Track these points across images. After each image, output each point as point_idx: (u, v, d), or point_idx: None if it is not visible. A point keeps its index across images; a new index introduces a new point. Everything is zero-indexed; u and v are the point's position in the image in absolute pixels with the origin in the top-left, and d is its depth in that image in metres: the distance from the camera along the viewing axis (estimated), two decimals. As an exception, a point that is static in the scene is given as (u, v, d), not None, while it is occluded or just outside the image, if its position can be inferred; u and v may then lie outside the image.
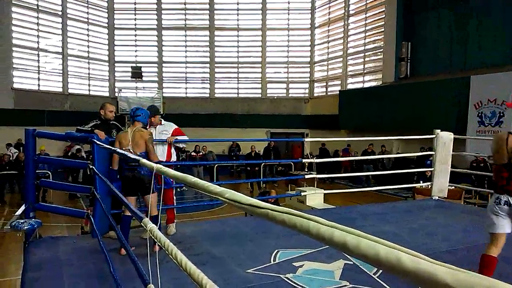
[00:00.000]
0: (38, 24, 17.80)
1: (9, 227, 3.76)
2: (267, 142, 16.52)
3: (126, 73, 20.61)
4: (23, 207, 4.11)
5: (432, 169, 6.33)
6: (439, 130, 6.16)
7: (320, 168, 13.64)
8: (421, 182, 8.85)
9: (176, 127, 4.77)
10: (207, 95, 21.41)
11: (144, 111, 4.13)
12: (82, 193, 4.65)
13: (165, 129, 4.67)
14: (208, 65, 21.35)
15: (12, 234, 4.79)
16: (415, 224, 4.99)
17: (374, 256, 0.49)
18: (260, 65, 21.32)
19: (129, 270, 2.92)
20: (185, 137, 4.74)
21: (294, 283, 3.10)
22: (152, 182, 3.56)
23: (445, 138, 6.13)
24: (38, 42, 17.89)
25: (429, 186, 6.67)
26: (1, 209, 10.44)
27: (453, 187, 7.23)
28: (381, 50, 17.10)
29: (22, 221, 3.83)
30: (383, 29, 16.94)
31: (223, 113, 20.24)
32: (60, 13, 18.50)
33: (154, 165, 1.55)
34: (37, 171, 4.40)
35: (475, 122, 12.23)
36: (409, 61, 15.69)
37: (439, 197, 6.33)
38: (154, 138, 4.51)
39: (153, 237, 1.51)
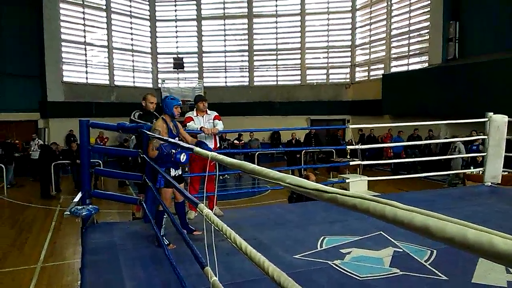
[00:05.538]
0: (84, 19, 18.53)
1: (68, 213, 4.00)
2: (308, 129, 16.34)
3: (168, 64, 21.08)
4: (79, 194, 4.35)
5: (485, 154, 6.04)
6: (492, 113, 5.84)
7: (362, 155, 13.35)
8: (472, 168, 8.46)
9: (216, 113, 4.95)
10: (246, 83, 21.49)
11: (164, 101, 3.86)
12: (135, 180, 4.85)
13: (210, 118, 4.82)
14: (247, 53, 21.37)
15: (68, 220, 5.09)
16: (467, 211, 4.79)
17: (462, 240, 0.49)
18: (299, 51, 21.06)
19: (181, 254, 3.04)
20: (221, 123, 4.85)
21: (343, 269, 3.08)
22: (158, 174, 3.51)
23: (498, 122, 5.80)
24: (84, 37, 18.65)
25: (481, 172, 6.38)
26: (58, 196, 11.12)
27: (506, 173, 6.86)
28: (427, 30, 16.34)
29: (80, 207, 4.06)
30: (429, 8, 16.16)
31: (262, 101, 20.25)
32: (104, 7, 19.15)
33: (209, 153, 1.59)
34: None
35: (531, 104, 11.47)
36: (457, 41, 14.88)
37: (492, 183, 6.04)
38: (203, 126, 4.65)
39: (210, 222, 1.56)
